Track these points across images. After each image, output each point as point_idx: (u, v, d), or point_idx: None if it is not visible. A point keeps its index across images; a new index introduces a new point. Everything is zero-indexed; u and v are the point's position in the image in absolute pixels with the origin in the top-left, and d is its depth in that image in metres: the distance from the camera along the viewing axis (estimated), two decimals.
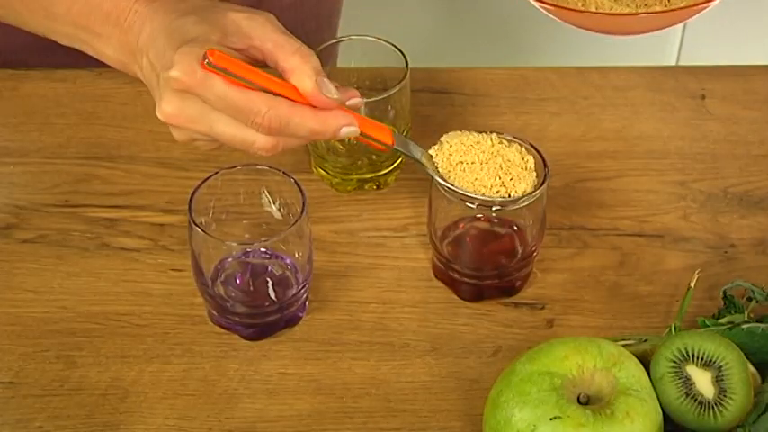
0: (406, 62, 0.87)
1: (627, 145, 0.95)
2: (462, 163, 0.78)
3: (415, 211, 0.89)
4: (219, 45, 0.73)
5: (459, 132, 0.80)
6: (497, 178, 0.78)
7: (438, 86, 1.00)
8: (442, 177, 0.78)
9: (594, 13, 0.80)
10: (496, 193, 0.77)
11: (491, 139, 0.79)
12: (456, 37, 1.68)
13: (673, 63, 1.83)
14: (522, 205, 0.78)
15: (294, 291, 0.80)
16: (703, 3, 0.77)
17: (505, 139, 0.79)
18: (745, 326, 0.74)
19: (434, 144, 0.79)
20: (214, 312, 0.81)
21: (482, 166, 0.78)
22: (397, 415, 0.77)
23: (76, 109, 0.97)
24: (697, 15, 0.79)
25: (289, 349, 0.80)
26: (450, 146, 0.79)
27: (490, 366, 0.79)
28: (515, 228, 0.83)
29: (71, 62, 1.01)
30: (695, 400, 0.70)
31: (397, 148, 0.77)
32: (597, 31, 0.81)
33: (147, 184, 0.91)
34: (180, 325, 0.82)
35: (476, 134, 0.79)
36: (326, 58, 0.91)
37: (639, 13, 0.80)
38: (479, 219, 0.84)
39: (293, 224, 0.76)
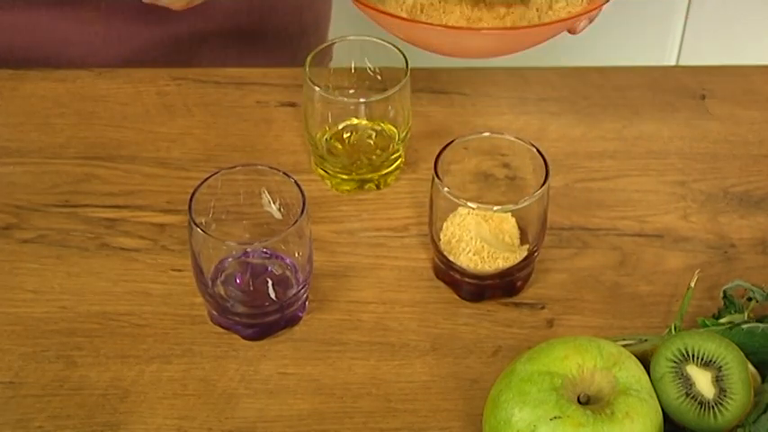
0: (406, 62, 0.88)
1: (627, 145, 0.95)
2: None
3: (415, 211, 0.89)
4: None
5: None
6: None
7: (438, 86, 1.00)
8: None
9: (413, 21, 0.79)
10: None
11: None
12: None
13: (673, 63, 1.83)
14: (522, 206, 0.78)
15: (294, 291, 0.80)
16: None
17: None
18: (745, 326, 0.74)
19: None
20: (214, 312, 0.81)
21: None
22: (397, 415, 0.77)
23: (76, 109, 0.97)
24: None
25: (289, 349, 0.80)
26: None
27: (490, 366, 0.79)
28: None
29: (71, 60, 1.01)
30: (695, 400, 0.70)
31: None
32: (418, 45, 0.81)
33: (147, 184, 0.91)
34: (180, 325, 0.81)
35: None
36: (321, 59, 0.91)
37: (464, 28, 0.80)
38: None
39: (293, 224, 0.76)
